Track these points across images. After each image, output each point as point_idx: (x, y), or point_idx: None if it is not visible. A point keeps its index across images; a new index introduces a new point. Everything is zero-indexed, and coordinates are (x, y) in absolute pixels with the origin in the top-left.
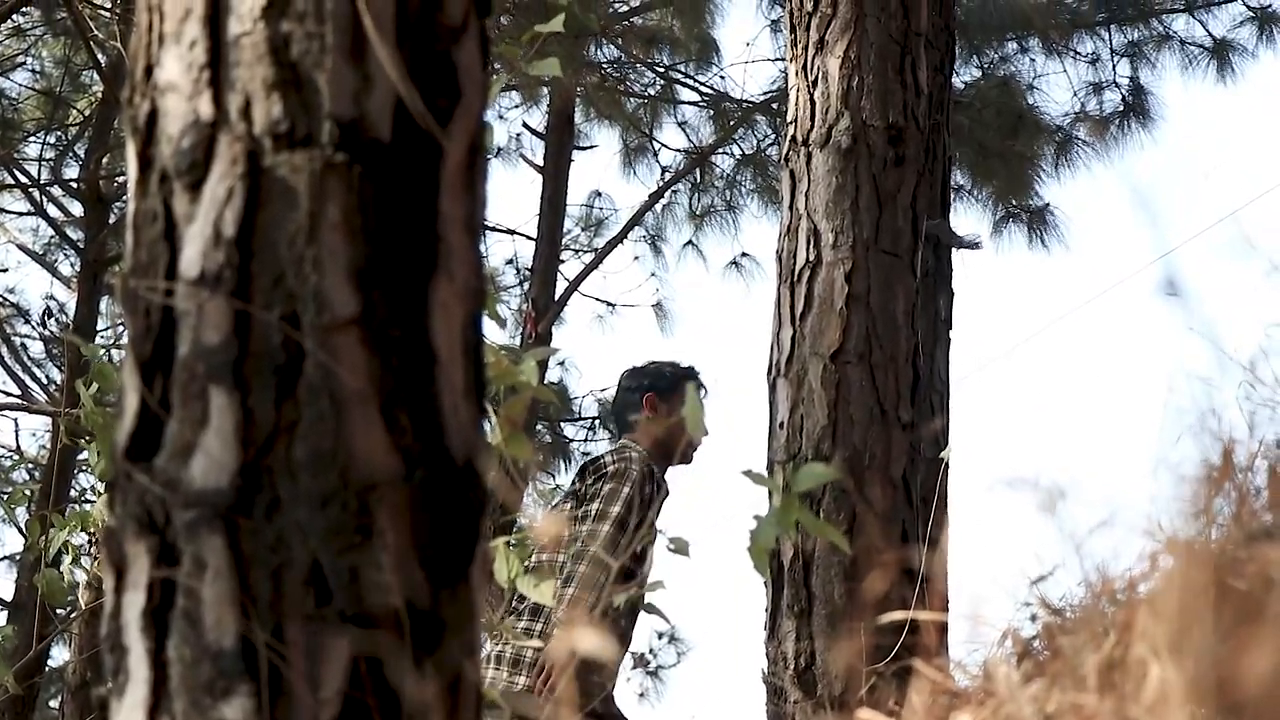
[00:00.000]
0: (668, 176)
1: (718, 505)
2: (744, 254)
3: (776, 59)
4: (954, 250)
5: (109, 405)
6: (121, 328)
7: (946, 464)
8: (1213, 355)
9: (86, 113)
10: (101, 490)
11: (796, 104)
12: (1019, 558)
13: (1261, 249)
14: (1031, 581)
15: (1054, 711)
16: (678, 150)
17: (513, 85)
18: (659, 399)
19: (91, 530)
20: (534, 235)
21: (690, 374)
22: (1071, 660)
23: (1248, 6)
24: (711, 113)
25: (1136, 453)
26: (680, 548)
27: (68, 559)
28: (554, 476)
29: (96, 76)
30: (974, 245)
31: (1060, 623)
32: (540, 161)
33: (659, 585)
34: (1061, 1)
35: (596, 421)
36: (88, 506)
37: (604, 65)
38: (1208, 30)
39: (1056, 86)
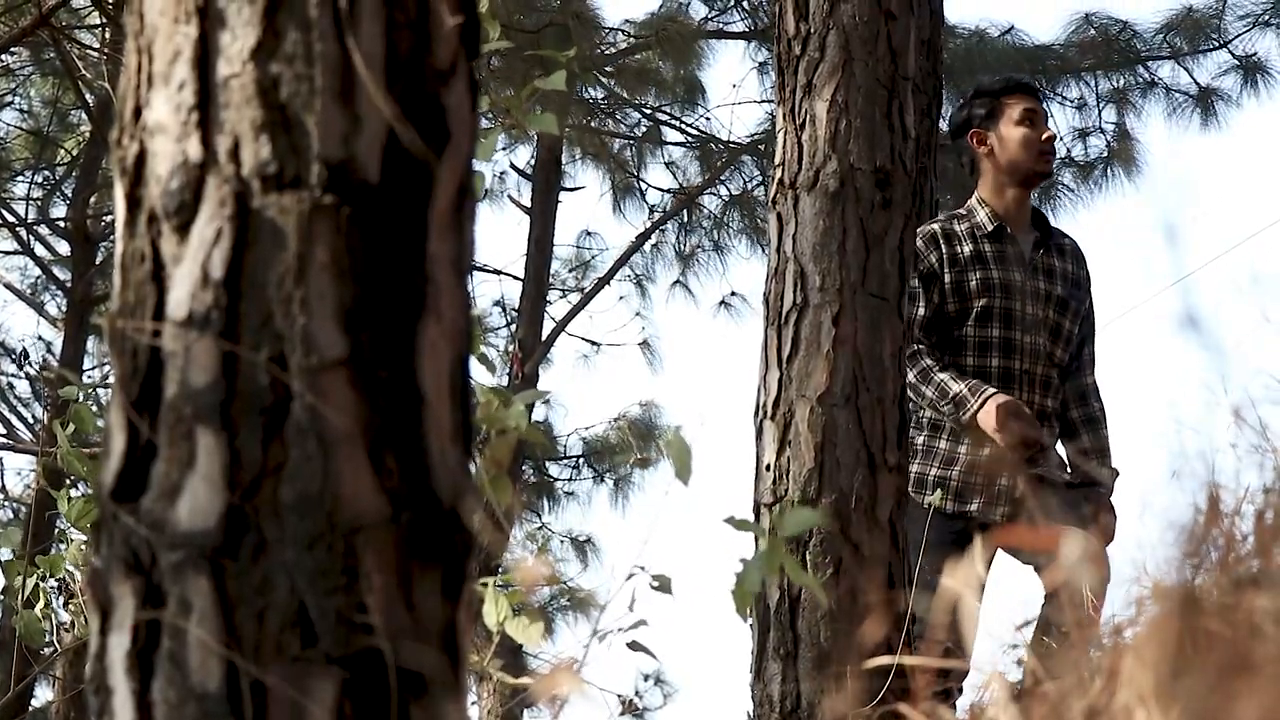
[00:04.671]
0: (655, 217)
1: (704, 545)
2: (732, 293)
3: (763, 101)
4: None
5: (88, 446)
6: (108, 367)
7: (933, 507)
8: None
9: (74, 152)
10: (73, 533)
11: (784, 147)
12: (1006, 602)
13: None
14: (1018, 626)
15: None
16: (665, 191)
17: (501, 127)
18: (984, 131)
19: (62, 576)
20: (521, 275)
21: (1008, 85)
22: (1057, 706)
23: (1233, 55)
24: (699, 154)
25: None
26: (663, 585)
27: (40, 604)
28: (539, 516)
29: (84, 116)
30: None
31: (1046, 667)
32: (527, 202)
33: (643, 623)
34: (1048, 47)
35: (581, 460)
36: (63, 548)
37: (592, 102)
38: (1193, 78)
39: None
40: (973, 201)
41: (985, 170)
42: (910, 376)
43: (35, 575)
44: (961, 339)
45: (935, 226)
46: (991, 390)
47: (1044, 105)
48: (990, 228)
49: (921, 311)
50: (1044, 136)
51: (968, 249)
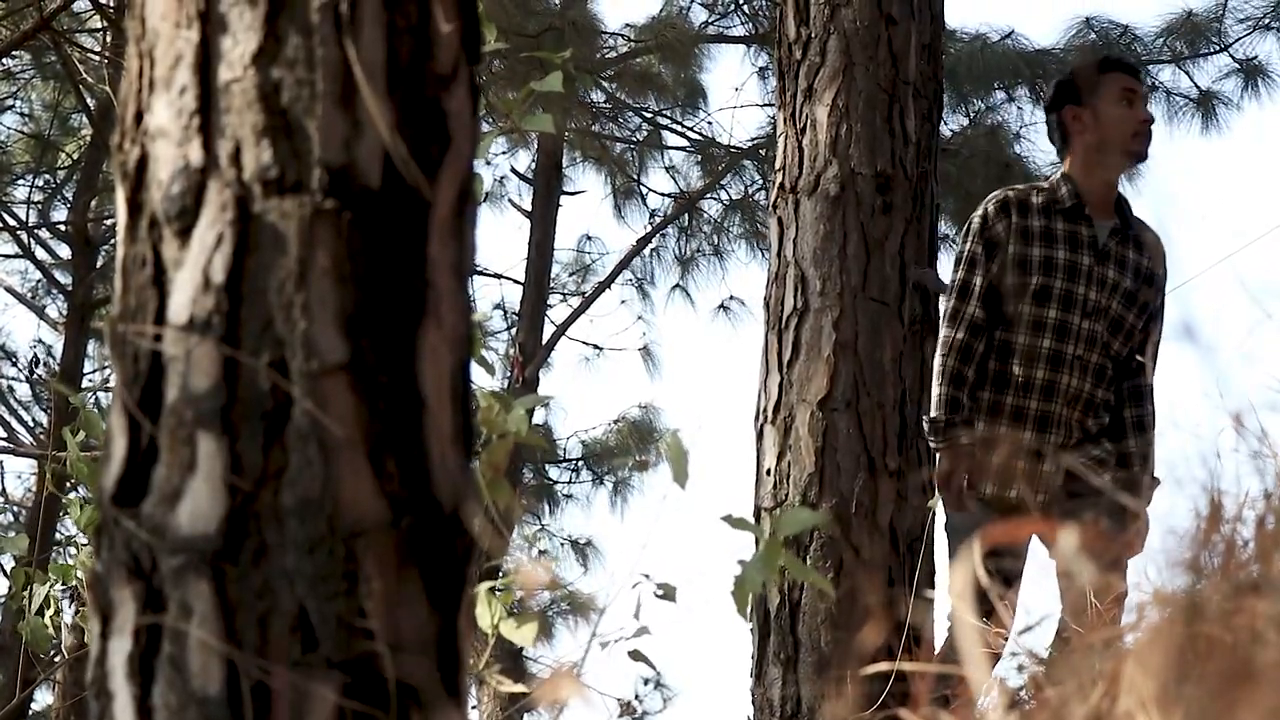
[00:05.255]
0: (656, 221)
1: (705, 551)
2: (732, 298)
3: (765, 104)
4: (941, 297)
5: (88, 450)
6: (109, 371)
7: (933, 512)
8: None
9: (75, 156)
10: (83, 538)
11: (785, 151)
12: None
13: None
14: (1019, 632)
15: None
16: (666, 195)
17: (501, 131)
18: (1080, 108)
19: (72, 583)
20: (521, 279)
21: (1109, 62)
22: (1058, 712)
23: (1233, 58)
24: (699, 158)
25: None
26: (667, 593)
27: (50, 611)
28: (538, 519)
29: (85, 120)
30: None
31: (1047, 674)
32: (528, 206)
33: (645, 632)
34: (1049, 51)
35: (581, 463)
36: (71, 551)
37: (593, 107)
38: (1193, 81)
39: (1043, 136)
40: (1058, 177)
41: (1077, 148)
42: (938, 354)
43: (48, 583)
44: (1016, 315)
45: (1010, 193)
46: (962, 439)
47: (1144, 86)
48: (1068, 204)
49: (978, 281)
50: (1142, 118)
51: (1038, 223)
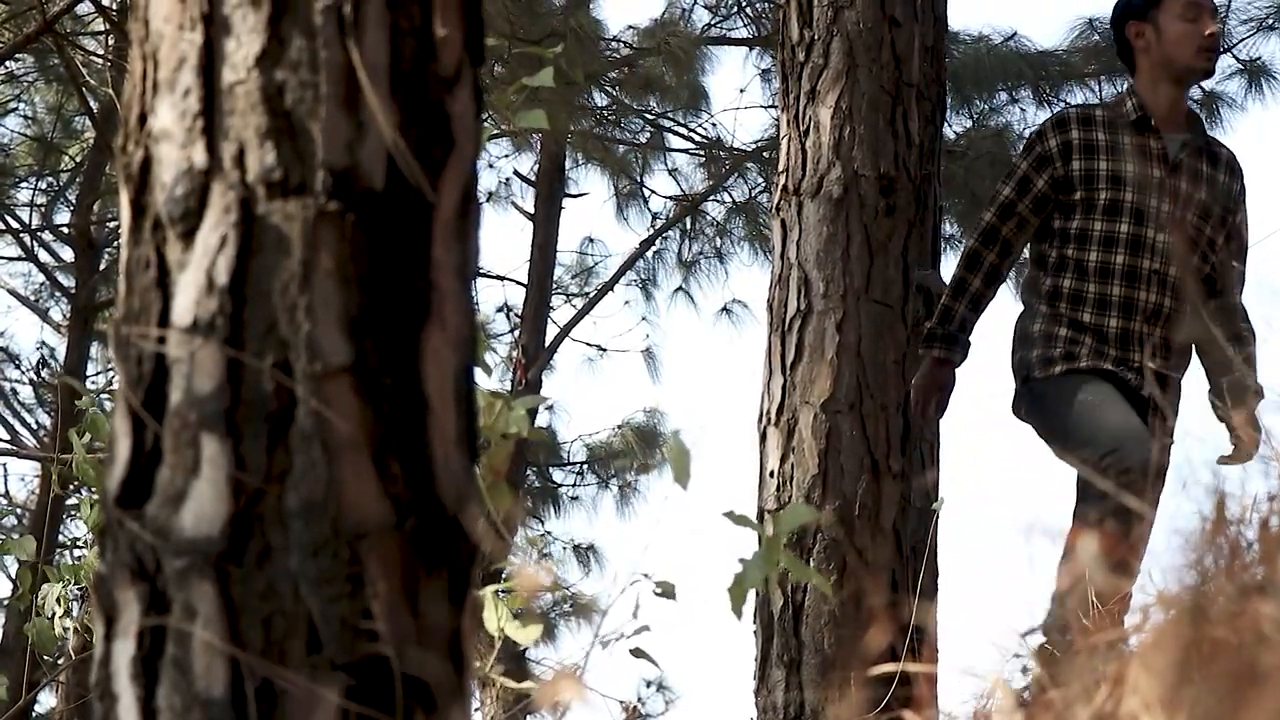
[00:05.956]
0: (659, 223)
1: (707, 552)
2: (734, 300)
3: (768, 106)
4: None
5: (92, 452)
6: (112, 373)
7: (937, 514)
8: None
9: (78, 158)
10: (92, 539)
11: (788, 153)
12: (1010, 609)
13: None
14: (1023, 633)
15: None
16: (668, 197)
17: (504, 133)
18: (1142, 23)
19: (82, 584)
20: (525, 281)
21: None
22: (1062, 713)
23: (1236, 59)
24: (702, 160)
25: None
26: (666, 591)
27: (59, 611)
28: (542, 523)
29: (88, 123)
30: None
31: (1051, 675)
32: (531, 208)
33: (646, 630)
34: (1052, 53)
35: (585, 466)
36: (80, 552)
37: (596, 111)
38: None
39: None
40: (1125, 90)
41: (1141, 64)
42: (958, 264)
43: (59, 585)
44: (1086, 232)
45: (1074, 110)
46: (937, 351)
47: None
48: (1133, 117)
49: (1007, 193)
50: (1206, 32)
51: (1103, 136)
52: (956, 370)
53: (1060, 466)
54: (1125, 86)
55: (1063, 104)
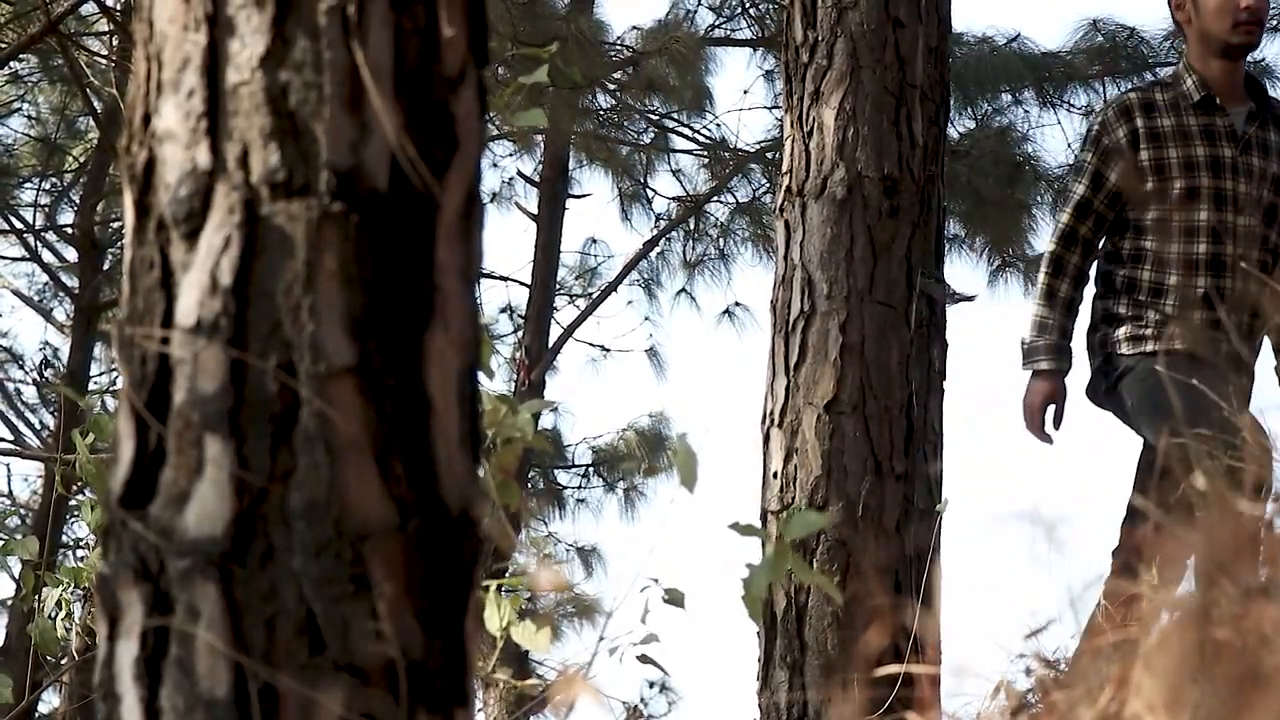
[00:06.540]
0: (662, 224)
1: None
2: (737, 302)
3: (771, 107)
4: (948, 306)
5: (96, 453)
6: (116, 374)
7: (941, 516)
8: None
9: (82, 159)
10: (95, 540)
11: (791, 154)
12: (1014, 611)
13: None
14: (1026, 635)
15: None
16: (672, 198)
17: (507, 134)
18: None
19: (85, 585)
20: (528, 282)
21: None
22: (1066, 715)
23: None
24: (706, 161)
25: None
26: (675, 599)
27: (62, 614)
28: (546, 524)
29: (92, 123)
30: (967, 299)
31: (1055, 677)
32: (534, 208)
33: (654, 638)
34: (1055, 54)
35: (590, 469)
36: (82, 554)
37: (600, 112)
38: None
39: (1051, 138)
40: (1180, 68)
41: (1189, 36)
42: (1042, 270)
43: (62, 586)
44: (1163, 223)
45: (1133, 95)
46: (1044, 363)
47: None
48: (1197, 97)
49: (1080, 190)
50: (1244, 4)
51: (1169, 122)
52: (1065, 379)
53: (1060, 467)
54: (1181, 63)
55: (1067, 105)
